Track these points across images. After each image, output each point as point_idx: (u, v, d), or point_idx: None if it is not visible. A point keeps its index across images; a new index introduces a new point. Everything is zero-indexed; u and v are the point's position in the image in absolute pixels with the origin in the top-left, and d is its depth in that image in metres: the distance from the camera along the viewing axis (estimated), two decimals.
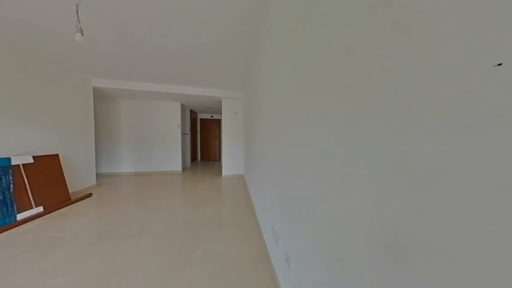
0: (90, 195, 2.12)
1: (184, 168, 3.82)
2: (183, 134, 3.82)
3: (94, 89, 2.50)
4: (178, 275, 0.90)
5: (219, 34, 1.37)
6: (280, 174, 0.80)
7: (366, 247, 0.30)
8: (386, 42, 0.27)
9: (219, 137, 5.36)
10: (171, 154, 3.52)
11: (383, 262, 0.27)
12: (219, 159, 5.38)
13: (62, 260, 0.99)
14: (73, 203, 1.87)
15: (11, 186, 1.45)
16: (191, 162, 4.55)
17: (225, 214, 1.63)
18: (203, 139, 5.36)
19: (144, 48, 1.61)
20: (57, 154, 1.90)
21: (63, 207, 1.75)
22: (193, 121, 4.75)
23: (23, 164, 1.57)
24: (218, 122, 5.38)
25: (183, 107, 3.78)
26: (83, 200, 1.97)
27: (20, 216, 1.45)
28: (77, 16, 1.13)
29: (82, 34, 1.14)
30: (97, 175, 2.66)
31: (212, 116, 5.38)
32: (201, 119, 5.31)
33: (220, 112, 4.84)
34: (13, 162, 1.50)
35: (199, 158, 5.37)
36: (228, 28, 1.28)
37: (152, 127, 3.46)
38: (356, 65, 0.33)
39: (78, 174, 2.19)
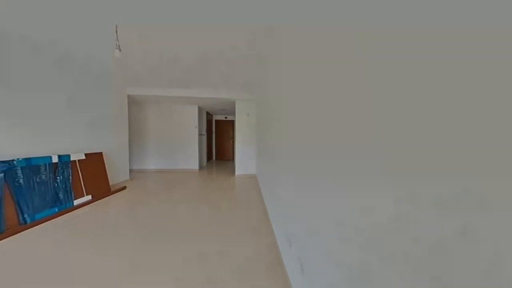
0: (124, 188, 2.45)
1: (200, 167, 4.06)
2: (200, 135, 4.08)
3: (128, 96, 2.89)
4: (194, 267, 0.97)
5: (233, 40, 1.43)
6: (292, 177, 0.77)
7: (393, 261, 0.26)
8: None
9: (233, 138, 5.53)
10: (190, 153, 3.80)
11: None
12: (233, 159, 5.55)
13: (106, 239, 1.19)
14: (112, 194, 2.19)
15: (70, 177, 1.79)
16: (207, 161, 4.81)
17: (238, 212, 1.66)
18: (217, 139, 5.61)
19: (168, 58, 1.79)
20: (101, 152, 2.25)
21: (105, 197, 2.07)
22: (209, 122, 5.02)
23: (78, 160, 1.92)
24: (231, 123, 5.56)
25: (200, 109, 4.04)
26: (119, 192, 2.29)
27: (76, 202, 1.77)
28: (116, 35, 1.35)
29: (120, 50, 1.36)
30: (130, 170, 3.05)
31: (226, 118, 5.59)
32: (216, 121, 5.57)
33: (233, 113, 5.00)
34: (72, 158, 1.85)
35: (214, 158, 5.63)
36: (240, 34, 1.33)
37: (173, 128, 3.80)
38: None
39: (115, 170, 2.56)
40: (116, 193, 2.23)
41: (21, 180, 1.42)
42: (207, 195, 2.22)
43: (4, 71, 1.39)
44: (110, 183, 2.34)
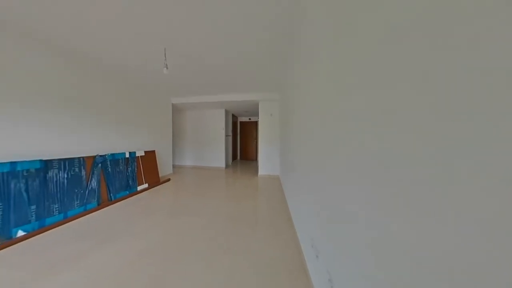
0: (169, 179, 2.98)
1: (226, 166, 4.39)
2: (226, 136, 4.42)
3: (172, 105, 3.52)
4: (215, 261, 1.07)
5: (255, 42, 1.49)
6: (319, 181, 0.72)
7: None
8: None
9: (256, 138, 5.67)
10: (217, 153, 4.19)
11: None
12: (256, 159, 5.68)
13: (160, 213, 1.51)
14: (161, 184, 2.71)
15: (135, 169, 2.36)
16: (232, 161, 5.14)
17: (261, 213, 1.69)
18: (242, 140, 5.90)
19: (200, 68, 2.06)
20: (154, 150, 2.84)
21: (156, 186, 2.59)
22: (234, 124, 5.36)
23: (140, 156, 2.50)
24: (255, 124, 5.71)
25: (226, 112, 4.38)
26: (165, 183, 2.81)
27: (138, 188, 2.32)
28: (165, 56, 1.68)
29: (167, 68, 1.68)
30: (172, 166, 3.68)
31: (250, 119, 5.81)
32: (241, 122, 5.88)
33: (257, 115, 5.13)
34: (136, 154, 2.44)
35: (238, 157, 5.95)
36: (263, 34, 1.37)
37: (204, 130, 4.30)
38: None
39: (162, 165, 3.15)
40: (163, 184, 2.75)
41: (109, 169, 2.00)
42: (232, 191, 2.37)
43: (103, 96, 2.02)
44: (159, 175, 2.91)
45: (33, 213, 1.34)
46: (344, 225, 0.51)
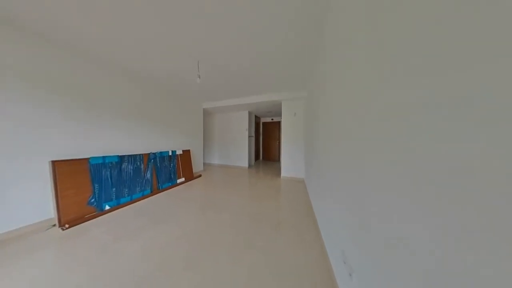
0: (200, 175, 3.38)
1: (249, 165, 4.54)
2: (249, 136, 4.57)
3: (203, 109, 3.98)
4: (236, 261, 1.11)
5: (279, 41, 1.46)
6: (356, 189, 0.62)
7: None
8: None
9: (279, 139, 5.58)
10: (241, 153, 4.39)
11: None
12: (278, 160, 5.58)
13: (191, 209, 1.75)
14: (194, 179, 3.12)
15: (176, 165, 2.82)
16: (255, 161, 5.26)
17: (284, 215, 1.64)
18: (264, 140, 5.94)
19: (226, 74, 2.22)
20: (189, 150, 3.30)
21: (191, 181, 3.00)
22: (257, 125, 5.47)
23: (179, 154, 2.96)
24: (278, 124, 5.63)
25: (249, 114, 4.53)
26: (197, 178, 3.20)
27: (178, 181, 2.75)
28: (198, 67, 1.92)
29: (199, 77, 1.92)
30: (203, 163, 4.15)
31: (272, 119, 5.77)
32: (263, 123, 5.93)
33: (279, 115, 5.04)
34: (177, 153, 2.91)
35: (261, 158, 6.03)
36: (288, 31, 1.32)
37: (230, 131, 4.60)
38: None
39: (195, 162, 3.61)
40: (196, 179, 3.15)
41: (158, 164, 2.48)
42: (255, 191, 2.42)
43: (156, 106, 2.54)
44: (193, 171, 3.35)
45: (114, 193, 1.84)
46: (391, 249, 0.42)
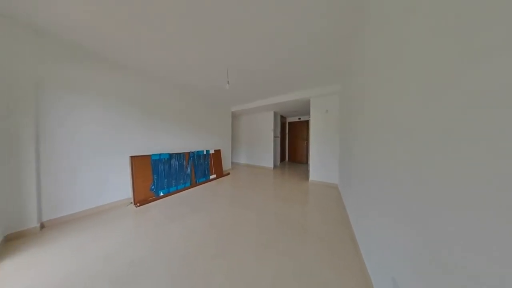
0: (228, 173, 3.68)
1: (274, 166, 4.49)
2: (274, 137, 4.52)
3: (232, 112, 4.31)
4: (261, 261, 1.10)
5: (308, 32, 1.35)
6: (415, 204, 0.48)
7: None
8: None
9: (307, 139, 5.18)
10: (266, 153, 4.41)
11: None
12: (306, 162, 5.19)
13: (221, 203, 1.93)
14: (223, 176, 3.43)
15: (209, 162, 3.21)
16: (280, 162, 5.13)
17: (312, 222, 1.51)
18: (290, 141, 5.69)
19: (252, 77, 2.29)
20: (220, 149, 3.66)
21: (220, 177, 3.32)
22: (283, 125, 5.32)
23: (211, 153, 3.35)
24: (305, 123, 5.25)
25: (275, 114, 4.48)
26: (226, 176, 3.50)
27: (210, 177, 3.12)
28: (227, 74, 2.09)
29: (228, 83, 2.09)
30: (231, 162, 4.48)
31: (299, 118, 5.44)
32: (289, 123, 5.70)
33: (307, 113, 4.68)
34: (210, 152, 3.30)
35: (286, 159, 5.82)
36: (318, 19, 1.20)
37: (255, 132, 4.73)
38: None
39: (225, 161, 3.96)
40: (225, 176, 3.46)
41: (196, 161, 2.92)
42: (280, 193, 2.36)
43: (194, 112, 3.01)
44: (223, 169, 3.69)
45: (165, 183, 2.33)
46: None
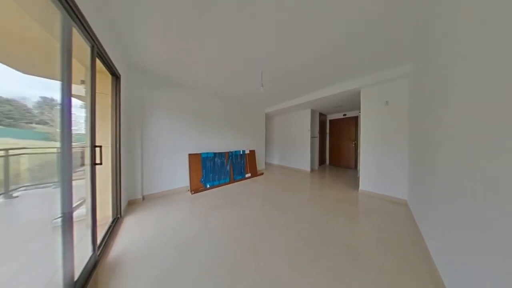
0: (262, 173, 3.78)
1: (312, 169, 4.07)
2: (311, 137, 4.10)
3: (265, 113, 4.41)
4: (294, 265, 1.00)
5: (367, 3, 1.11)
6: None
7: None
8: None
9: (355, 139, 4.28)
10: (302, 155, 4.09)
11: None
12: (355, 167, 4.28)
13: (255, 201, 2.02)
14: (258, 175, 3.57)
15: (244, 162, 3.47)
16: (319, 165, 4.58)
17: (366, 245, 1.20)
18: (332, 141, 4.93)
19: (287, 74, 2.21)
20: (254, 150, 3.86)
21: (255, 177, 3.49)
22: (322, 123, 4.72)
23: (246, 153, 3.60)
24: (353, 120, 4.36)
25: (312, 112, 4.07)
26: (260, 175, 3.62)
27: (246, 176, 3.36)
28: (261, 77, 2.16)
29: (262, 86, 2.16)
30: (265, 163, 4.58)
31: (344, 115, 4.60)
32: (331, 120, 4.96)
33: (356, 108, 3.85)
34: (245, 152, 3.57)
35: (327, 162, 5.10)
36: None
37: (289, 132, 4.53)
38: None
39: (258, 161, 4.12)
40: (259, 176, 3.59)
41: (234, 160, 3.26)
42: (318, 201, 2.09)
43: (235, 117, 3.39)
44: (257, 169, 3.85)
45: (211, 177, 2.78)
46: None
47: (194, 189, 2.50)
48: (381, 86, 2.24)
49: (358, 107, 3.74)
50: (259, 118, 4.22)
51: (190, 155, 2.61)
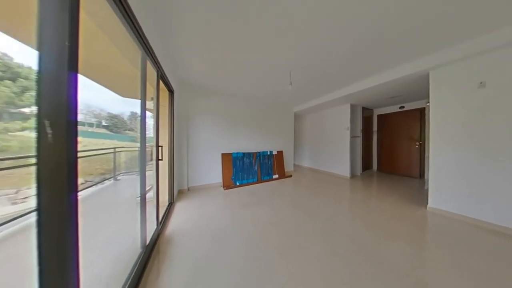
0: (290, 176, 3.61)
1: (352, 175, 3.45)
2: (352, 137, 3.49)
3: (294, 113, 4.19)
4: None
5: None
6: None
7: None
8: None
9: (420, 139, 3.24)
10: (338, 158, 3.56)
11: None
12: (420, 175, 3.24)
13: (281, 202, 1.97)
14: (285, 177, 3.44)
15: (272, 162, 3.45)
16: (362, 171, 3.82)
17: None
18: (383, 142, 3.98)
19: (321, 65, 1.99)
20: (282, 151, 3.76)
21: (282, 178, 3.38)
22: (366, 120, 3.91)
23: (274, 154, 3.57)
24: (416, 113, 3.33)
25: (352, 108, 3.46)
26: (288, 177, 3.47)
27: (273, 176, 3.33)
28: (290, 76, 2.07)
29: (291, 84, 2.07)
30: (293, 165, 4.35)
31: (402, 107, 3.60)
32: (381, 116, 4.01)
33: (419, 98, 2.91)
34: (273, 153, 3.54)
35: (374, 167, 4.17)
36: None
37: (323, 132, 4.06)
38: None
39: (286, 162, 3.96)
40: (287, 178, 3.45)
41: (261, 160, 3.32)
42: (362, 215, 1.72)
43: (262, 119, 3.48)
44: (285, 170, 3.73)
45: (240, 176, 2.97)
46: None
47: (226, 186, 2.75)
48: (470, 62, 1.57)
49: (422, 96, 2.82)
50: (287, 118, 4.07)
51: (223, 154, 2.91)
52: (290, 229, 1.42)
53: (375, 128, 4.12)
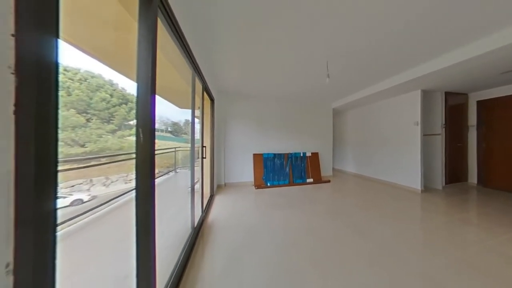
0: (329, 181, 3.16)
1: (427, 189, 2.51)
2: (425, 135, 2.55)
3: (333, 109, 3.65)
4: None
5: None
6: None
7: None
8: None
9: None
10: (401, 163, 2.70)
11: None
12: None
13: (316, 210, 1.76)
14: (322, 182, 3.06)
15: (306, 165, 3.18)
16: (446, 183, 2.69)
17: None
18: (489, 141, 2.63)
19: (365, 55, 1.62)
20: (317, 152, 3.37)
21: (318, 183, 3.03)
22: (454, 110, 2.72)
23: (308, 156, 3.27)
24: None
25: (426, 94, 2.53)
26: (326, 183, 3.06)
27: (307, 180, 3.06)
28: (327, 68, 1.83)
29: (328, 77, 1.82)
30: (332, 169, 3.79)
31: None
32: (482, 103, 2.68)
33: None
34: (307, 154, 3.26)
35: (471, 179, 2.82)
36: None
37: (372, 130, 3.25)
38: None
39: (323, 166, 3.51)
40: (324, 183, 3.05)
41: (293, 162, 3.15)
42: (453, 243, 1.19)
43: (292, 118, 3.33)
44: (321, 175, 3.32)
45: (271, 177, 2.96)
46: None
47: (257, 185, 2.84)
48: None
49: None
50: (324, 116, 3.62)
51: (254, 155, 3.03)
52: (326, 240, 1.25)
53: (472, 121, 2.78)
